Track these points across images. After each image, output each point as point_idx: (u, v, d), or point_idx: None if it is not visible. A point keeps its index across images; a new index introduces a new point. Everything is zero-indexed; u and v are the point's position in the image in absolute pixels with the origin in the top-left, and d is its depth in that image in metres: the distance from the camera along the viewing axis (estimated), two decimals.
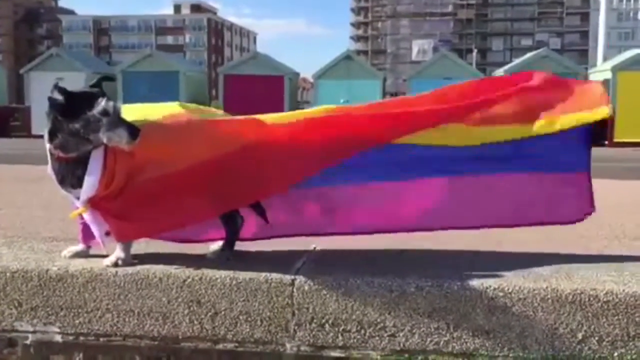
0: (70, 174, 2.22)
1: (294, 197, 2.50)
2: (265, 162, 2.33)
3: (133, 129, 2.13)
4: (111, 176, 2.20)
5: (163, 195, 2.26)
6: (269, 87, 17.82)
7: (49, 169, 2.27)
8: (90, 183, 2.19)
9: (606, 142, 16.29)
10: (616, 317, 2.06)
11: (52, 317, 2.28)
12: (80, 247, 2.45)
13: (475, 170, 2.47)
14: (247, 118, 2.45)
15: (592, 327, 2.07)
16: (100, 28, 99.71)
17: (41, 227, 3.26)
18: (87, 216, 2.28)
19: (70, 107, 2.11)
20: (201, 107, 2.59)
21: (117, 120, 2.13)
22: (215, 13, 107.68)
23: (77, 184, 2.21)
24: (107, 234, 2.29)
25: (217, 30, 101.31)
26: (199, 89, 20.45)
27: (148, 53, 20.56)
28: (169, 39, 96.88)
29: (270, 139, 2.35)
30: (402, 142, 2.41)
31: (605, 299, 2.06)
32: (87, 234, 2.40)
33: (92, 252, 2.44)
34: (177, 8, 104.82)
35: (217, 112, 2.58)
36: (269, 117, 2.45)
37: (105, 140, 2.14)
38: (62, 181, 2.25)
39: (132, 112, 2.26)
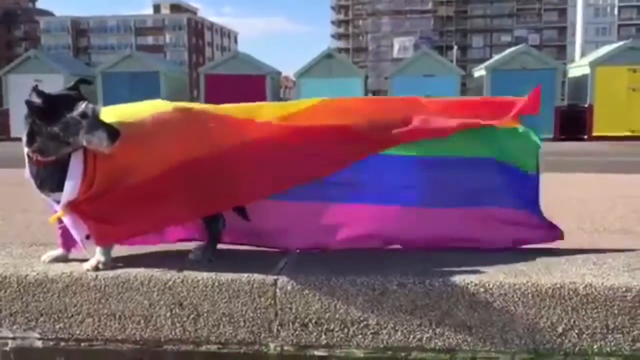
0: (49, 178, 2.19)
1: (270, 207, 2.50)
2: (243, 168, 2.32)
3: (112, 131, 2.10)
4: (91, 179, 2.18)
5: (142, 198, 2.24)
6: (250, 87, 17.74)
7: (26, 173, 2.24)
8: (71, 187, 2.17)
9: (585, 137, 16.51)
10: (595, 310, 2.08)
11: (32, 323, 2.25)
12: (59, 251, 2.42)
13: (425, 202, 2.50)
14: (228, 118, 2.43)
15: (572, 320, 2.09)
16: (79, 29, 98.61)
17: (20, 231, 3.22)
18: (66, 220, 2.25)
19: (49, 110, 2.08)
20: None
21: (96, 123, 2.11)
22: (195, 13, 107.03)
23: (57, 187, 2.19)
24: (87, 237, 2.26)
25: (198, 30, 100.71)
26: (180, 89, 20.32)
27: (128, 54, 20.41)
28: (149, 40, 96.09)
29: (251, 144, 2.35)
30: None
31: (584, 292, 2.09)
32: (66, 239, 2.37)
33: (72, 256, 2.41)
34: (157, 8, 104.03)
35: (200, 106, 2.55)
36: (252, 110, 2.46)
37: (84, 143, 2.12)
38: (41, 185, 2.22)
39: (111, 113, 2.24)
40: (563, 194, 5.09)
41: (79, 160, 2.17)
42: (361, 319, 2.15)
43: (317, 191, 2.48)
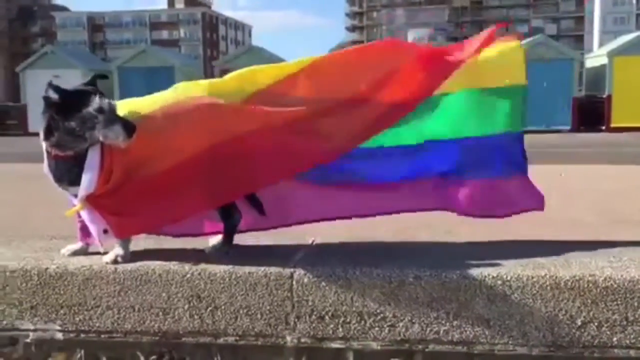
0: (67, 172, 2.22)
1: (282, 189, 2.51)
2: (256, 153, 2.33)
3: (129, 126, 2.12)
4: (108, 173, 2.20)
5: (159, 189, 2.26)
6: None
7: (45, 167, 2.27)
8: (88, 180, 2.19)
9: (604, 128, 16.31)
10: (615, 303, 2.07)
11: (52, 315, 2.28)
12: (79, 245, 2.45)
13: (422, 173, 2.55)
14: (241, 107, 2.42)
15: (591, 312, 2.08)
16: (95, 24, 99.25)
17: (40, 225, 3.26)
18: (84, 214, 2.27)
19: (66, 106, 2.11)
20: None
21: (112, 118, 2.13)
22: (209, 7, 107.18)
23: (75, 181, 2.21)
24: (105, 231, 2.29)
25: (212, 24, 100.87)
26: None
27: (143, 48, 20.51)
28: (164, 34, 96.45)
29: (263, 129, 2.35)
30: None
31: (604, 285, 2.07)
32: (85, 232, 2.39)
33: (91, 249, 2.44)
34: (171, 2, 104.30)
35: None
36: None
37: (101, 138, 2.14)
38: (59, 179, 2.25)
39: (126, 106, 2.26)
40: (582, 185, 5.04)
41: (97, 154, 2.19)
42: (378, 311, 2.15)
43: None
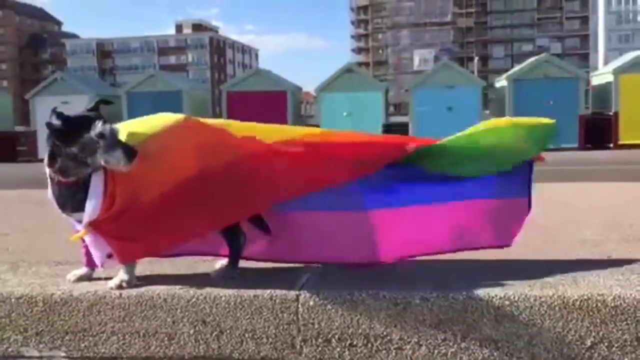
0: (70, 198, 2.23)
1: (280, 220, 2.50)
2: (258, 175, 2.34)
3: (130, 151, 2.13)
4: (112, 198, 2.20)
5: (162, 213, 2.26)
6: (272, 103, 17.88)
7: (49, 193, 2.28)
8: (92, 207, 2.19)
9: (611, 145, 16.26)
10: (625, 322, 2.04)
11: (57, 342, 2.27)
12: (84, 270, 2.45)
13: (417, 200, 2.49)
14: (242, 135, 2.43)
15: (601, 332, 2.05)
16: (104, 50, 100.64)
17: (47, 250, 3.27)
18: (88, 239, 2.28)
19: (68, 131, 2.12)
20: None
21: (114, 143, 2.13)
22: (216, 31, 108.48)
23: (78, 207, 2.22)
24: (109, 256, 2.29)
25: (219, 48, 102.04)
26: (203, 106, 20.56)
27: (151, 73, 20.73)
28: (172, 59, 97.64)
29: (262, 154, 2.36)
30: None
31: (613, 304, 2.04)
32: (90, 257, 2.39)
33: (96, 274, 2.44)
34: (179, 28, 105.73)
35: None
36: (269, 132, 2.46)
37: (103, 163, 2.15)
38: (63, 206, 2.25)
39: (128, 128, 2.27)
40: (589, 203, 5.01)
41: (100, 180, 2.20)
42: (384, 333, 2.13)
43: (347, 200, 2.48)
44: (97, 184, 2.19)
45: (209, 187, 2.29)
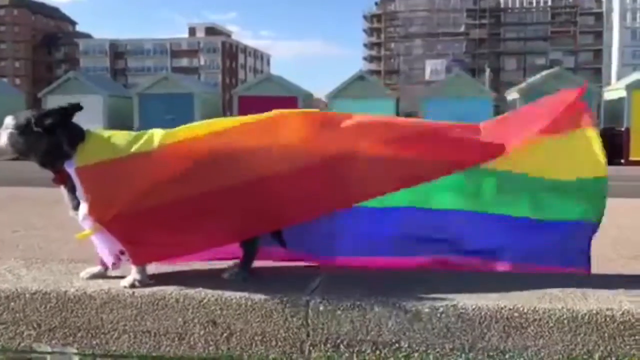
0: (70, 198, 2.32)
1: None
2: (281, 192, 2.36)
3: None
4: (106, 201, 2.23)
5: (181, 220, 2.29)
6: (282, 108, 17.89)
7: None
8: (83, 207, 2.25)
9: (622, 161, 16.18)
10: (633, 338, 2.04)
11: (70, 338, 2.30)
12: (97, 268, 2.48)
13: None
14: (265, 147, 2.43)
15: (609, 347, 2.05)
16: (117, 51, 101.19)
17: (59, 248, 3.30)
18: (96, 239, 2.32)
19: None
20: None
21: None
22: (229, 35, 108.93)
23: (77, 207, 2.29)
24: (122, 252, 2.32)
25: (232, 52, 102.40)
26: (213, 110, 20.64)
27: (163, 76, 20.87)
28: (184, 62, 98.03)
29: (292, 172, 2.39)
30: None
31: (621, 319, 2.05)
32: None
33: (109, 272, 2.47)
34: (192, 31, 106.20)
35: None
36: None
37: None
38: (68, 205, 2.35)
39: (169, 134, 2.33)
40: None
41: (77, 181, 2.25)
42: (393, 341, 2.15)
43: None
44: (77, 185, 2.25)
45: (232, 201, 2.31)
